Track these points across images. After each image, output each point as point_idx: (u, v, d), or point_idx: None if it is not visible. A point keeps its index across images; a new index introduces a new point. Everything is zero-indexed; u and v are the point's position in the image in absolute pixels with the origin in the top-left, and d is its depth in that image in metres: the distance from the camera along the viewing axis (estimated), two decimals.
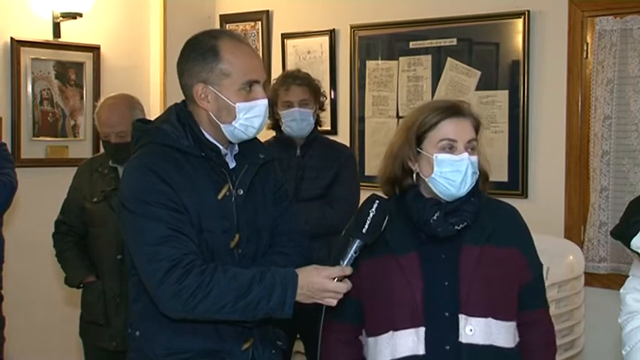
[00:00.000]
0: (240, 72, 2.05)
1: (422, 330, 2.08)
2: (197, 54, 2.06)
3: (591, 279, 3.80)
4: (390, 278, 2.13)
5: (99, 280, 3.35)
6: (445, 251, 2.12)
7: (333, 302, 1.99)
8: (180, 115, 2.10)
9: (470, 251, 2.10)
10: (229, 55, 2.05)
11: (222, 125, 2.08)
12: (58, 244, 3.45)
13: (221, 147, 2.11)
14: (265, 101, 2.10)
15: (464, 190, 2.12)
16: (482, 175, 2.19)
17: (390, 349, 2.11)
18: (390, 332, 2.11)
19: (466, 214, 2.12)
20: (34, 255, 4.33)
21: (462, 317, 2.06)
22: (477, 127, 2.16)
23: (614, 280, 3.75)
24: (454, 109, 2.14)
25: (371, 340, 2.17)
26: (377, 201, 2.02)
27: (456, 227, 2.10)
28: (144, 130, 2.14)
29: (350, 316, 2.20)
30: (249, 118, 2.07)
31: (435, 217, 2.11)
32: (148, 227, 1.97)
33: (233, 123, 2.07)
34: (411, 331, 2.08)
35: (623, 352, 2.13)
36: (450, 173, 2.10)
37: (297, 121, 3.42)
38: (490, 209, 2.18)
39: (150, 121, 2.23)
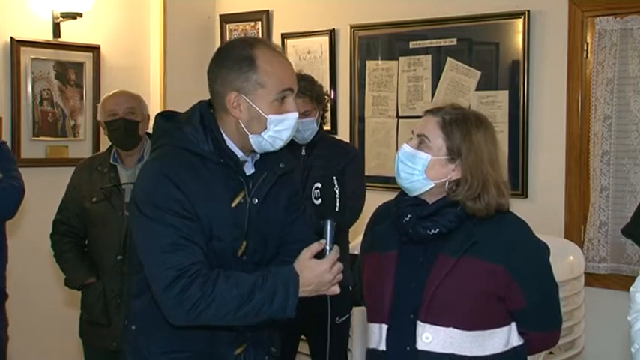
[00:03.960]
0: (275, 83, 2.03)
1: (385, 327, 2.13)
2: (232, 62, 2.03)
3: (591, 279, 3.80)
4: (372, 273, 2.20)
5: (99, 281, 3.34)
6: (424, 255, 2.12)
7: (338, 290, 2.02)
8: (204, 117, 2.08)
9: (445, 260, 2.08)
10: (266, 65, 2.02)
11: (250, 135, 2.06)
12: (57, 245, 3.42)
13: (242, 154, 2.09)
14: (296, 114, 2.08)
15: (401, 181, 2.15)
16: (466, 185, 2.10)
17: (367, 338, 2.21)
18: (368, 323, 2.21)
19: (441, 222, 2.09)
20: (34, 255, 4.33)
21: (419, 324, 2.07)
22: (445, 128, 2.11)
23: (614, 280, 3.75)
24: (432, 109, 2.20)
25: None
26: (334, 178, 2.05)
27: (429, 232, 2.10)
28: (165, 130, 2.11)
29: None
30: (279, 131, 2.06)
31: (407, 218, 2.13)
32: (159, 233, 1.97)
33: (262, 134, 2.05)
34: (377, 326, 2.16)
35: (632, 350, 2.13)
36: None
37: (300, 132, 3.34)
38: (491, 222, 2.11)
39: (172, 114, 2.19)
